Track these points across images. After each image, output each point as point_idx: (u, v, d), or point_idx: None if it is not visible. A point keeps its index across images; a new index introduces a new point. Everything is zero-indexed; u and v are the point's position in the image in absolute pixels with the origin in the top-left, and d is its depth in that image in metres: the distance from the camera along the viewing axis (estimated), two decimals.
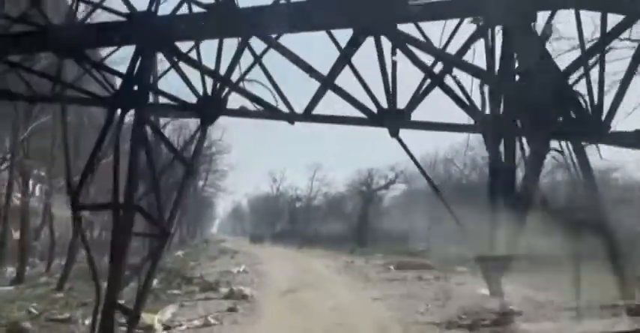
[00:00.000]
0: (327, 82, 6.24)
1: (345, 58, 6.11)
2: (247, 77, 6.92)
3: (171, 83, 7.56)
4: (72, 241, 14.86)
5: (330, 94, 6.46)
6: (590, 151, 6.30)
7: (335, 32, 6.21)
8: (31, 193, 20.65)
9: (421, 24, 6.14)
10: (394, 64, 6.38)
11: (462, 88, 6.46)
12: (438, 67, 6.20)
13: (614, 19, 5.60)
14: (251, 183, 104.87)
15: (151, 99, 6.88)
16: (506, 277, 6.75)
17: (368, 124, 6.68)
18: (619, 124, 5.74)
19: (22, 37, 6.75)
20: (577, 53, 5.96)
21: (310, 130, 78.42)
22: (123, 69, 6.46)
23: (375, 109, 6.49)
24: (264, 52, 6.91)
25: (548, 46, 6.27)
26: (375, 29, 5.87)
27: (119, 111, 6.46)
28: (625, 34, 9.03)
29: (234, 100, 7.10)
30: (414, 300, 12.62)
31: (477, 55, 6.47)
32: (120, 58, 8.03)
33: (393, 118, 6.51)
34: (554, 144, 6.24)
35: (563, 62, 6.03)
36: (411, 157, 6.81)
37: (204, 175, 42.17)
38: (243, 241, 59.38)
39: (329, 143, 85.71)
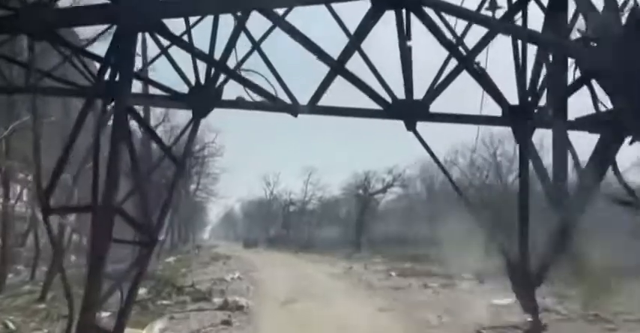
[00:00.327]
0: (338, 67, 5.48)
1: (358, 37, 5.34)
2: (244, 67, 6.23)
3: (160, 74, 6.82)
4: (54, 247, 13.92)
5: (333, 88, 5.76)
6: None
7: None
8: (17, 197, 19.72)
9: None
10: (409, 49, 5.67)
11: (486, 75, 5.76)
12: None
13: None
14: (244, 187, 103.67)
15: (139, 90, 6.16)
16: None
17: (382, 117, 5.96)
18: None
19: None
20: None
21: (305, 132, 77.61)
22: None
23: (389, 100, 5.79)
24: (265, 35, 6.20)
25: None
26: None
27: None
28: None
29: (230, 91, 6.35)
30: (424, 311, 11.78)
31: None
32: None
33: (410, 109, 5.79)
34: None
35: None
36: (430, 153, 6.06)
37: (197, 179, 41.29)
38: (236, 246, 58.40)
39: (323, 147, 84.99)
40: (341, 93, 6.34)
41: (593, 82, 5.57)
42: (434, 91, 5.80)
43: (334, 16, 5.65)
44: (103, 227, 5.09)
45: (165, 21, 5.42)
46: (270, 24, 6.22)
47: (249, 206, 73.04)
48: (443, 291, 15.52)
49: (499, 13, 5.99)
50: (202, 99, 5.90)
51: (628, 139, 5.42)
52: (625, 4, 5.29)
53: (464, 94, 6.43)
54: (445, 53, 5.52)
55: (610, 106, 5.49)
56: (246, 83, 5.94)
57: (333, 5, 5.54)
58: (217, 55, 5.92)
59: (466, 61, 5.27)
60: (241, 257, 34.36)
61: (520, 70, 5.88)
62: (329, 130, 65.54)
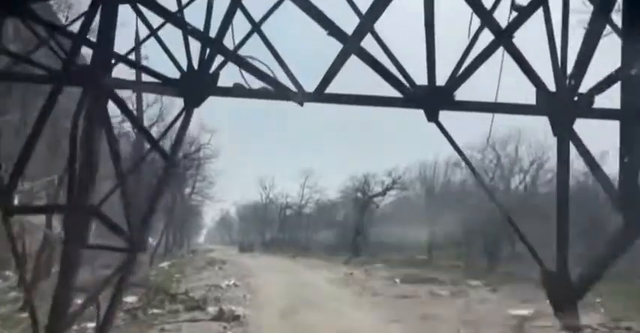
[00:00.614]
0: (352, 45, 4.73)
1: (371, 17, 4.60)
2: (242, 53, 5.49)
3: (151, 61, 6.07)
4: (38, 252, 13.10)
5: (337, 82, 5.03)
6: None
7: None
8: None
9: None
10: (433, 27, 4.94)
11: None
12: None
13: None
14: (239, 191, 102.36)
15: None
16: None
17: (400, 105, 5.22)
18: None
19: None
20: None
21: (303, 134, 76.85)
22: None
23: (408, 86, 5.08)
24: (267, 15, 5.51)
25: None
26: None
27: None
28: None
29: (226, 79, 5.60)
30: (439, 323, 10.75)
31: None
32: None
33: (433, 96, 5.06)
34: None
35: None
36: (454, 145, 5.32)
37: (192, 183, 40.40)
38: (231, 250, 57.36)
39: (320, 149, 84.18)
40: (347, 84, 5.63)
41: None
42: (459, 77, 5.07)
43: None
44: (77, 230, 4.33)
45: None
46: (270, 5, 5.55)
47: (245, 210, 72.19)
48: (455, 300, 14.60)
49: None
50: (195, 85, 5.16)
51: None
52: None
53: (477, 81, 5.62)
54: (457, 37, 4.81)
55: None
56: (246, 67, 5.20)
57: None
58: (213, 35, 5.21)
59: (502, 37, 4.51)
60: (237, 262, 33.45)
61: (560, 52, 5.13)
62: (327, 131, 64.92)
